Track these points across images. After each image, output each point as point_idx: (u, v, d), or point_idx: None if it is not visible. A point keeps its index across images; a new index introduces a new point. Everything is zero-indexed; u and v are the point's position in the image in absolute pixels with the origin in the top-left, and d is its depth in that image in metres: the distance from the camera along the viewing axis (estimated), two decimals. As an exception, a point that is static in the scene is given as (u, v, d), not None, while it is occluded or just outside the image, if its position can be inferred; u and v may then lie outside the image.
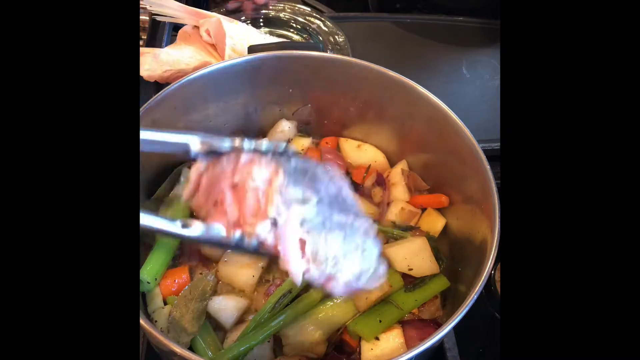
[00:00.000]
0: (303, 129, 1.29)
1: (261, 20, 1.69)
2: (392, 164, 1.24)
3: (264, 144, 0.75)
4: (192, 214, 1.12)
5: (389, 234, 1.10)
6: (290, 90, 1.22)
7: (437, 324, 0.98)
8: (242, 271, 1.03)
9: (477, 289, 0.84)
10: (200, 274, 1.05)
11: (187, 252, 1.08)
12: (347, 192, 0.79)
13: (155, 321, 0.98)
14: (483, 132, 1.06)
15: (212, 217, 0.74)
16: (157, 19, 1.58)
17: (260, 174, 0.72)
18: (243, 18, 1.67)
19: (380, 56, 1.35)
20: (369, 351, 0.94)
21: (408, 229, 1.12)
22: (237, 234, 0.71)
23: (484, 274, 0.86)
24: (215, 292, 1.03)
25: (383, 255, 0.78)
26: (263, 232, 0.70)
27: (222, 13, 1.68)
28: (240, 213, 0.71)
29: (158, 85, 1.42)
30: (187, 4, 1.77)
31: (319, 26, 1.62)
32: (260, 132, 1.27)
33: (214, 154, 0.78)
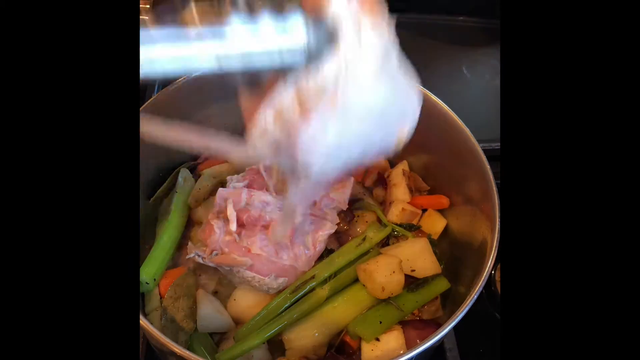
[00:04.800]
0: (303, 129, 1.28)
1: None
2: (391, 164, 1.24)
3: None
4: (190, 217, 1.12)
5: (392, 233, 1.10)
6: (290, 90, 1.22)
7: (438, 324, 0.98)
8: (253, 310, 1.00)
9: (477, 289, 0.84)
10: (200, 275, 1.05)
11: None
12: None
13: (152, 322, 0.98)
14: (483, 132, 1.06)
15: None
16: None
17: None
18: None
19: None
20: (370, 352, 0.94)
21: (410, 228, 1.12)
22: None
23: (484, 274, 0.86)
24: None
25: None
26: None
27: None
28: None
29: (158, 85, 1.42)
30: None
31: None
32: (261, 132, 1.26)
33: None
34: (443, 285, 1.02)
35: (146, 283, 1.00)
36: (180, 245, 1.08)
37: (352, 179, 1.15)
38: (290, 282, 1.00)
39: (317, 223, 1.06)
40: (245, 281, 0.99)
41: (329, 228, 1.06)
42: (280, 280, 0.99)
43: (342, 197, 1.10)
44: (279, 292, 1.01)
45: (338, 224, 1.09)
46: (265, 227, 1.02)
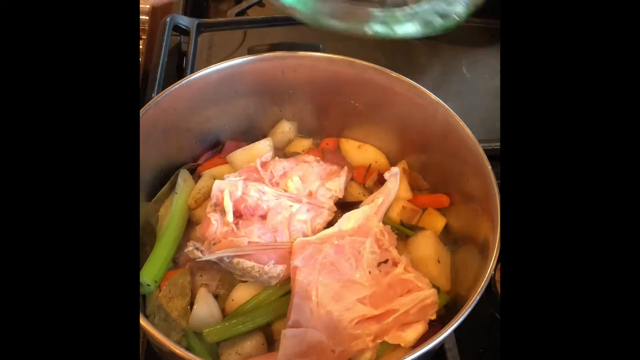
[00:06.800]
0: (303, 130, 1.29)
1: None
2: (392, 164, 1.24)
3: None
4: (191, 218, 1.12)
5: (394, 229, 1.10)
6: (291, 91, 1.22)
7: (440, 325, 0.98)
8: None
9: (479, 289, 0.84)
10: (201, 275, 1.05)
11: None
12: None
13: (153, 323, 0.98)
14: (483, 132, 1.06)
15: None
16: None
17: None
18: None
19: (381, 56, 1.35)
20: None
21: (413, 229, 1.12)
22: None
23: (486, 275, 0.86)
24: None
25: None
26: None
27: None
28: None
29: (158, 86, 1.42)
30: (186, 4, 1.77)
31: None
32: (261, 133, 1.27)
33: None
34: (443, 299, 1.02)
35: (147, 285, 1.00)
36: (181, 246, 1.08)
37: (346, 167, 1.16)
38: (289, 270, 1.00)
39: (314, 211, 1.07)
40: (246, 273, 0.99)
41: (326, 216, 1.08)
42: (280, 267, 0.99)
43: (338, 185, 1.12)
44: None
45: (335, 212, 1.10)
46: (263, 217, 1.03)
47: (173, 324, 0.97)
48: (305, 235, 1.04)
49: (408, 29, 0.79)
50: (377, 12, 0.76)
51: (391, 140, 1.23)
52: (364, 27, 0.77)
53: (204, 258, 0.99)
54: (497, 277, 1.16)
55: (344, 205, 1.13)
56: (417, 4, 0.79)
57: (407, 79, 1.11)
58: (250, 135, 1.25)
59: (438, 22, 0.81)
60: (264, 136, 1.25)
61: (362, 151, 1.24)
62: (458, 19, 0.81)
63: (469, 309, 0.82)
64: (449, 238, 1.12)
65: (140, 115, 1.01)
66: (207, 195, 1.11)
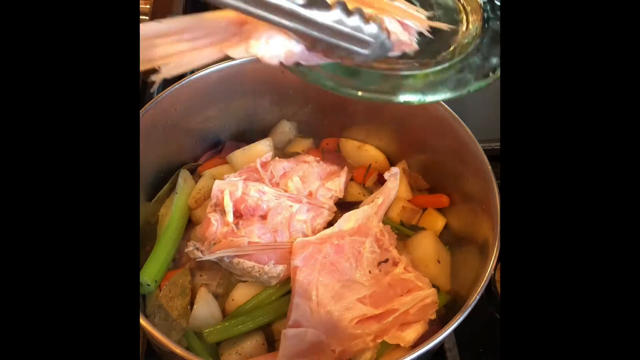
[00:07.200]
0: (303, 130, 1.29)
1: None
2: (392, 164, 1.24)
3: None
4: (191, 218, 1.12)
5: (394, 229, 1.10)
6: (291, 91, 1.22)
7: (439, 325, 0.98)
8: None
9: (479, 289, 0.84)
10: (201, 275, 1.05)
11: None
12: None
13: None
14: (483, 132, 1.06)
15: None
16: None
17: None
18: None
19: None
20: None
21: (413, 229, 1.12)
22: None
23: (486, 275, 0.86)
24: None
25: None
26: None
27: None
28: None
29: (158, 87, 1.42)
30: (186, 4, 1.77)
31: None
32: (261, 133, 1.27)
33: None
34: (442, 299, 1.02)
35: (147, 285, 1.00)
36: (181, 246, 1.08)
37: (346, 167, 1.16)
38: (289, 270, 1.00)
39: (314, 211, 1.07)
40: (246, 273, 0.99)
41: (326, 216, 1.08)
42: (280, 267, 0.99)
43: (338, 186, 1.12)
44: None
45: (335, 212, 1.11)
46: (263, 217, 1.03)
47: (173, 324, 0.97)
48: (305, 235, 1.04)
49: (440, 94, 0.74)
50: (405, 73, 0.72)
51: (391, 141, 1.23)
52: (391, 98, 0.73)
53: (204, 258, 0.99)
54: (497, 277, 1.16)
55: (344, 205, 1.13)
56: (447, 61, 0.75)
57: (406, 78, 1.11)
58: (250, 135, 1.25)
59: (472, 81, 0.76)
60: (264, 136, 1.25)
61: (362, 151, 1.24)
62: (494, 75, 0.75)
63: (469, 309, 0.82)
64: (449, 238, 1.12)
65: (140, 115, 1.02)
66: (207, 195, 1.11)
